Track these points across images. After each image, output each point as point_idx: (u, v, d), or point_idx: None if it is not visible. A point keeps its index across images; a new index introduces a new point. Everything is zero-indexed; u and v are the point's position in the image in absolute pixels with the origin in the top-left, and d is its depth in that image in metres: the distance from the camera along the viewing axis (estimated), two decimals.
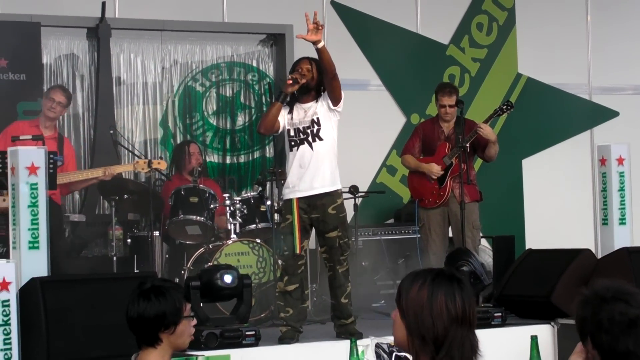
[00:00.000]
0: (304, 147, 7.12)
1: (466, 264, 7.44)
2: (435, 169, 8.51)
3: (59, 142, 8.35)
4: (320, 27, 6.95)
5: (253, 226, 8.56)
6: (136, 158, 9.12)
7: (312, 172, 7.10)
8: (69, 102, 8.59)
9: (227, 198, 8.58)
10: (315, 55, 7.17)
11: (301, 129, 7.14)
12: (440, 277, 2.99)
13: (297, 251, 7.09)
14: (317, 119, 7.13)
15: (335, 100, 7.12)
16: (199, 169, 8.99)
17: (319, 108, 7.15)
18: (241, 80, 10.43)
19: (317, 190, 7.11)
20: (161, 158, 9.41)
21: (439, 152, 8.60)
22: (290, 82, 7.08)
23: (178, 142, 9.93)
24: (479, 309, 7.25)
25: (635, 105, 11.73)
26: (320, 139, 7.12)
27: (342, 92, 7.14)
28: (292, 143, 7.17)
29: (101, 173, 8.35)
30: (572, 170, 11.36)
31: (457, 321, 2.92)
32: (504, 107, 8.67)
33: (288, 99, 7.15)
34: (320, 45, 6.97)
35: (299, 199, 7.12)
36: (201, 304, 6.85)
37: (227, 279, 6.84)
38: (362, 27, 10.63)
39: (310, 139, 7.12)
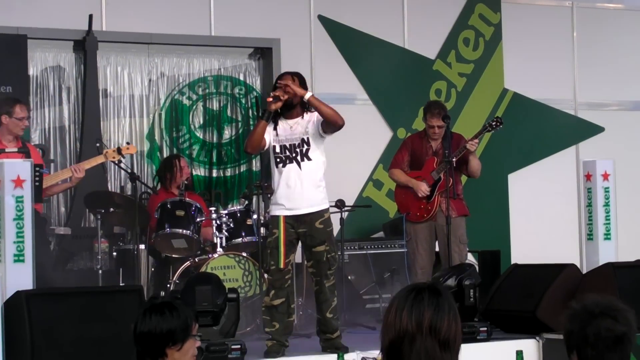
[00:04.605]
0: (292, 165, 7.11)
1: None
2: (424, 189, 8.51)
3: (26, 152, 8.20)
4: (285, 87, 6.98)
5: (239, 240, 8.55)
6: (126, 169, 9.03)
7: (300, 192, 7.09)
8: (29, 111, 8.46)
9: (213, 212, 8.58)
10: (300, 70, 7.20)
11: (288, 146, 7.13)
12: (403, 290, 2.94)
13: (282, 266, 7.08)
14: (308, 138, 7.12)
15: (331, 132, 7.13)
16: (186, 182, 8.99)
17: (310, 128, 7.14)
18: (228, 94, 10.43)
19: (305, 210, 7.11)
20: (128, 143, 9.03)
21: (427, 167, 8.61)
22: (271, 99, 7.07)
23: (165, 155, 9.92)
24: (464, 323, 7.25)
25: (621, 121, 11.79)
26: (309, 159, 7.11)
27: None
28: (278, 160, 7.16)
29: (69, 172, 8.18)
30: (557, 185, 11.39)
31: (408, 332, 2.83)
32: (493, 123, 8.67)
33: (272, 116, 7.14)
34: (306, 97, 7.01)
35: (286, 216, 7.12)
36: None
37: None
38: (349, 42, 10.65)
39: (299, 158, 7.11)
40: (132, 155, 9.88)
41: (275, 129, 7.16)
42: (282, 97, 7.04)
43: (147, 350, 4.05)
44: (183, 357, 4.07)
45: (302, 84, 7.19)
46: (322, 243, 7.13)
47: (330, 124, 7.04)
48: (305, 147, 7.11)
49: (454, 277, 7.49)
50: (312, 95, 7.05)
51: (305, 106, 7.17)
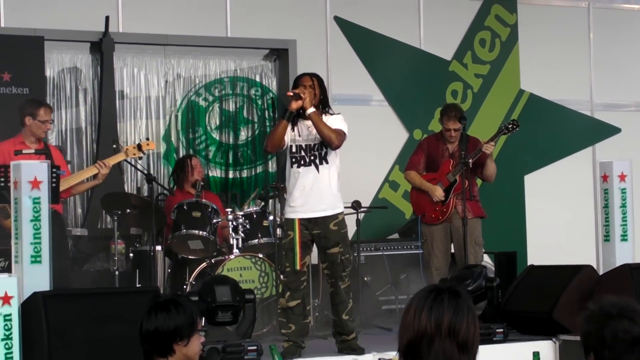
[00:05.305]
0: (310, 168, 7.12)
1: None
2: (439, 193, 8.52)
3: (47, 153, 8.22)
4: (301, 93, 6.99)
5: (255, 241, 8.56)
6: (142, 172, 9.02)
7: (316, 196, 7.09)
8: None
9: (229, 212, 8.60)
10: (316, 71, 7.19)
11: (304, 146, 7.13)
12: (423, 291, 2.94)
13: (298, 267, 7.09)
14: None
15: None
16: (202, 183, 8.99)
17: None
18: (244, 95, 10.44)
19: (320, 213, 7.11)
20: (147, 139, 8.93)
21: (443, 169, 8.61)
22: (291, 94, 7.08)
23: (181, 156, 9.94)
24: (481, 324, 7.24)
25: (637, 121, 11.75)
26: (327, 162, 7.12)
27: (344, 135, 7.14)
28: (293, 160, 7.16)
29: (95, 170, 8.19)
30: (574, 186, 11.36)
31: (427, 333, 2.84)
32: (510, 126, 8.67)
33: (293, 116, 7.15)
34: (307, 112, 7.03)
35: (301, 218, 7.13)
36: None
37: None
38: (365, 43, 10.65)
39: (317, 161, 7.12)
40: (148, 157, 9.90)
41: (293, 129, 7.17)
42: (302, 95, 7.04)
43: (154, 348, 4.08)
44: (189, 351, 4.10)
45: (321, 84, 7.22)
46: (336, 245, 7.13)
47: (328, 145, 7.09)
48: (324, 150, 7.11)
49: (482, 278, 7.57)
50: (315, 112, 7.05)
51: (324, 107, 7.19)
